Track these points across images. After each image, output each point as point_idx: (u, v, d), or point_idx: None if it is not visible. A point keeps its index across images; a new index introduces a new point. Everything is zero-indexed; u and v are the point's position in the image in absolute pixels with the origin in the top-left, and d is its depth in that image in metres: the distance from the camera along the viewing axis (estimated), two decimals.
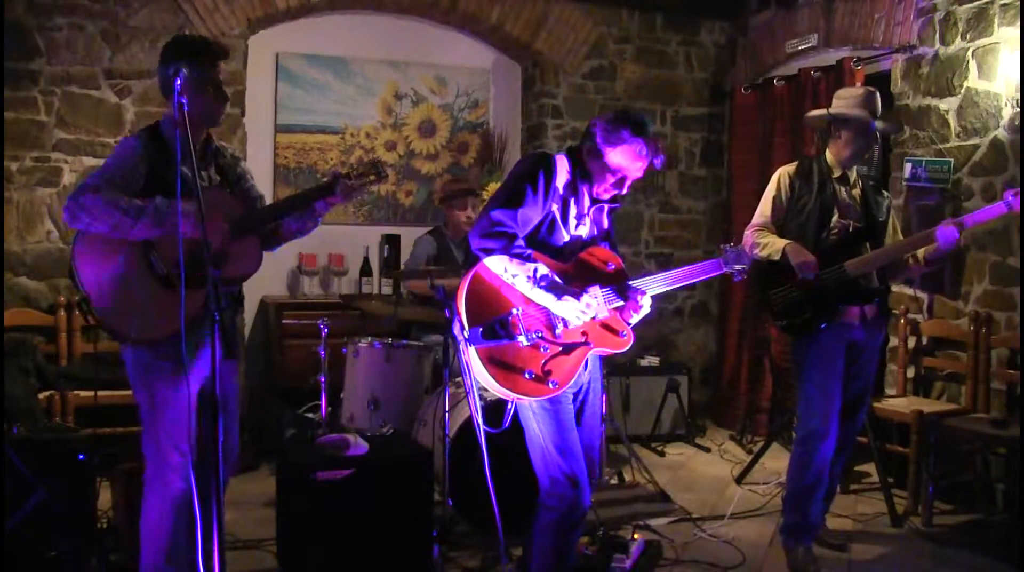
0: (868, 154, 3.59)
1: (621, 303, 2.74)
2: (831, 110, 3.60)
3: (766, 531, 3.95)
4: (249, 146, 5.43)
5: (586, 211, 2.80)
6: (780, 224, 3.62)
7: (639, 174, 2.78)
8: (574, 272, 2.72)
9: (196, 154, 2.65)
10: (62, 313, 4.68)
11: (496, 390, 2.59)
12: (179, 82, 2.31)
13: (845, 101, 3.60)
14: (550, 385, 2.60)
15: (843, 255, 3.48)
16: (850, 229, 3.54)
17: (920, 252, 3.52)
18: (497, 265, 2.59)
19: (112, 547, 3.32)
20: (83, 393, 4.35)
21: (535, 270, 2.55)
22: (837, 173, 3.60)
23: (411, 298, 4.51)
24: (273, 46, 5.64)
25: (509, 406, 2.73)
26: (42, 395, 4.29)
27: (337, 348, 4.31)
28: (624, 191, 2.81)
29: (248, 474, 4.61)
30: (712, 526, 4.02)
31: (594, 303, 2.63)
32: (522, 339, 2.57)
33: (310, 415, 4.57)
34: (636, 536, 3.58)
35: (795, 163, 3.71)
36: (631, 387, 5.54)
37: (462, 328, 2.57)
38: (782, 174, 3.67)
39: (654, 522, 4.03)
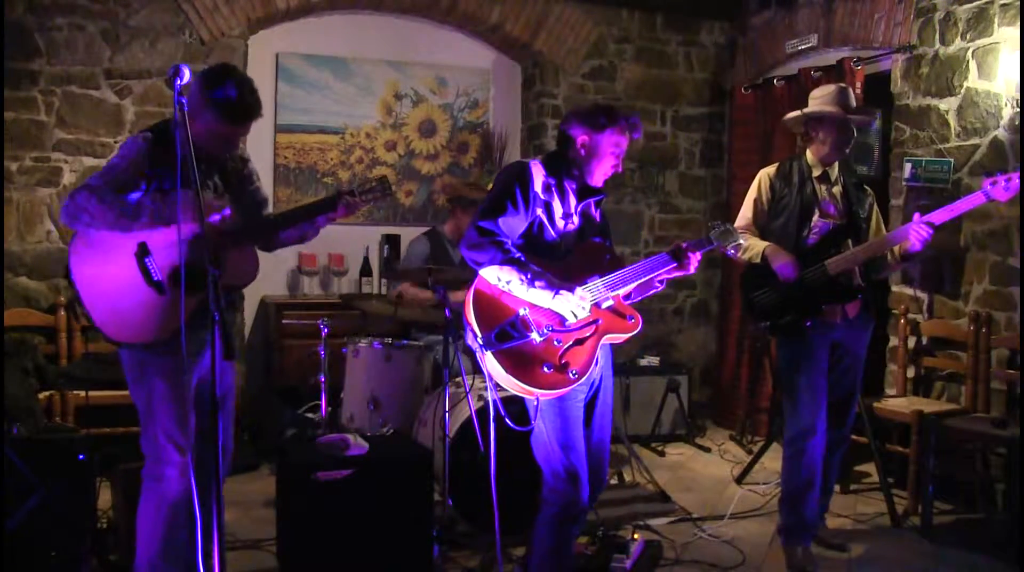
0: (849, 147, 3.60)
1: (620, 292, 2.80)
2: (806, 111, 3.62)
3: (766, 531, 3.95)
4: (249, 146, 5.40)
5: (573, 210, 2.86)
6: (762, 225, 3.64)
7: (624, 149, 2.89)
8: (569, 269, 2.76)
9: (200, 161, 2.64)
10: (62, 313, 4.68)
11: (518, 389, 2.63)
12: (179, 82, 2.28)
13: (819, 100, 3.61)
14: (570, 376, 2.65)
15: (825, 253, 3.49)
16: (831, 227, 3.55)
17: (896, 248, 3.52)
18: (491, 275, 2.66)
19: (112, 547, 3.32)
20: (83, 393, 4.35)
21: (527, 272, 2.62)
22: (817, 172, 3.61)
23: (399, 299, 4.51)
24: (273, 46, 5.64)
25: (532, 402, 2.74)
26: (42, 395, 4.29)
27: (337, 348, 4.31)
28: (620, 169, 2.91)
29: (248, 474, 4.61)
30: (712, 526, 4.02)
31: (588, 296, 2.70)
32: (535, 335, 2.63)
33: (310, 415, 4.57)
34: (636, 536, 3.58)
35: (775, 164, 3.72)
36: (631, 387, 5.53)
37: (475, 336, 2.61)
38: (763, 176, 3.69)
39: (654, 522, 4.04)
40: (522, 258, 2.65)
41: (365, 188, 2.92)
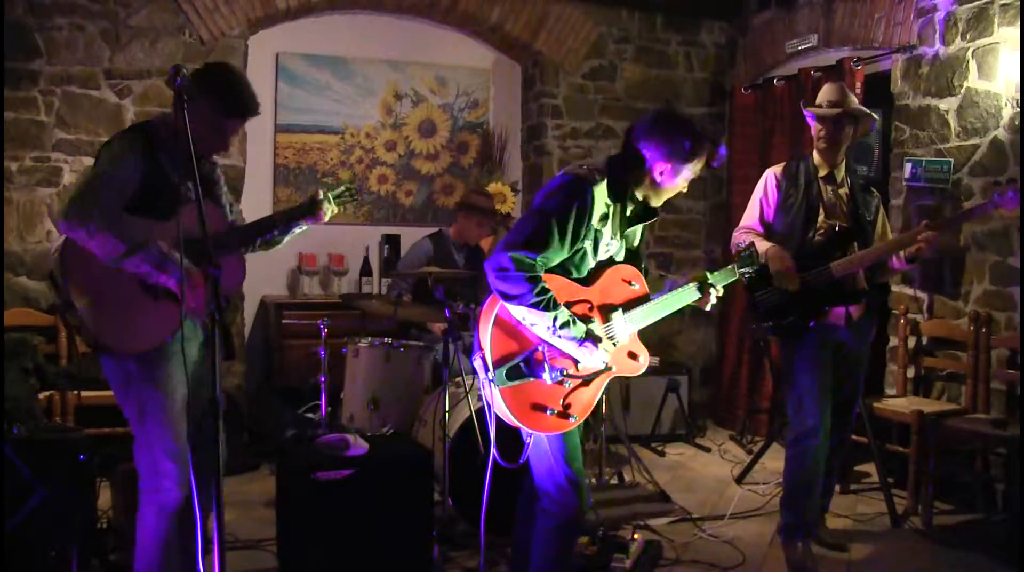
0: (834, 141, 3.57)
1: (643, 325, 2.70)
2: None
3: (766, 531, 3.95)
4: (249, 146, 5.43)
5: (618, 236, 2.71)
6: (768, 225, 3.63)
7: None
8: (595, 296, 2.64)
9: (186, 163, 2.56)
10: None
11: (515, 426, 2.57)
12: (181, 82, 2.26)
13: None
14: (570, 420, 2.58)
15: (830, 255, 3.48)
16: (836, 229, 3.54)
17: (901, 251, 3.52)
18: (516, 312, 2.50)
19: (112, 547, 3.32)
20: (83, 393, 4.36)
21: (555, 319, 2.46)
22: (823, 172, 3.60)
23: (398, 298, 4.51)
24: (273, 46, 5.64)
25: (527, 440, 2.67)
26: (42, 395, 4.30)
27: (337, 348, 4.31)
28: (686, 190, 2.80)
29: (248, 474, 4.61)
30: (712, 526, 4.02)
31: (610, 345, 2.61)
32: (547, 377, 2.53)
33: (310, 415, 4.57)
34: (636, 536, 3.58)
35: (782, 164, 3.72)
36: (631, 387, 5.53)
37: (486, 368, 2.51)
38: (769, 175, 3.69)
39: (654, 522, 4.03)
40: (552, 299, 2.46)
41: (335, 194, 2.97)
